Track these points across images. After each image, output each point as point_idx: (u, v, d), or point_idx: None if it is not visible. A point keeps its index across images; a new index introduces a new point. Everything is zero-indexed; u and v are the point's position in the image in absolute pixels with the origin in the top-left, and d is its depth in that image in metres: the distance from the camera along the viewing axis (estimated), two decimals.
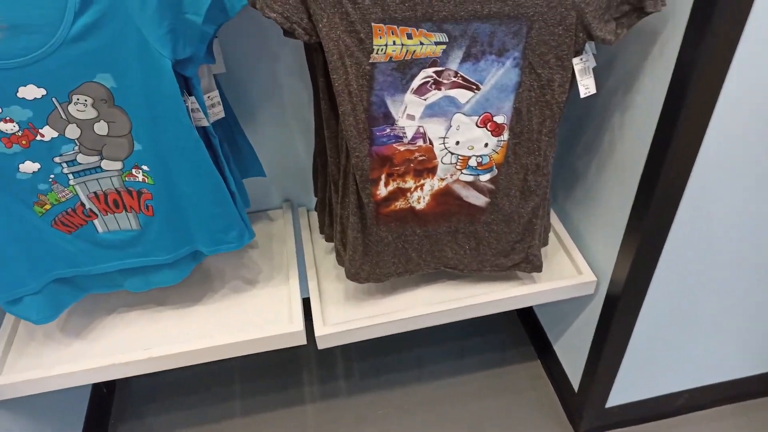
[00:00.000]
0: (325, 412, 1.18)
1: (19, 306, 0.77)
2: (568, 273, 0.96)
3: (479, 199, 0.83)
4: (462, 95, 0.73)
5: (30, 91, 0.63)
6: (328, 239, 0.97)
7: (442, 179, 0.81)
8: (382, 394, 1.21)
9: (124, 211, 0.75)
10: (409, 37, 0.67)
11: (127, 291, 0.84)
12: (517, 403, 1.19)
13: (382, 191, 0.79)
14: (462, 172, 0.80)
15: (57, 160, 0.69)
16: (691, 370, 1.08)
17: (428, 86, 0.71)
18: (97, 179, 0.72)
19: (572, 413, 1.14)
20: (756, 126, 0.74)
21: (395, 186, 0.79)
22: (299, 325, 0.86)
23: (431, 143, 0.76)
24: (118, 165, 0.71)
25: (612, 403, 1.09)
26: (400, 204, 0.81)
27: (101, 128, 0.68)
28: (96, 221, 0.75)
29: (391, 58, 0.68)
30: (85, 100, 0.65)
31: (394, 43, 0.67)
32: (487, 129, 0.76)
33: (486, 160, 0.79)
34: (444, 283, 0.95)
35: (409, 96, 0.72)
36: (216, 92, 0.75)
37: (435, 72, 0.70)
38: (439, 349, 1.29)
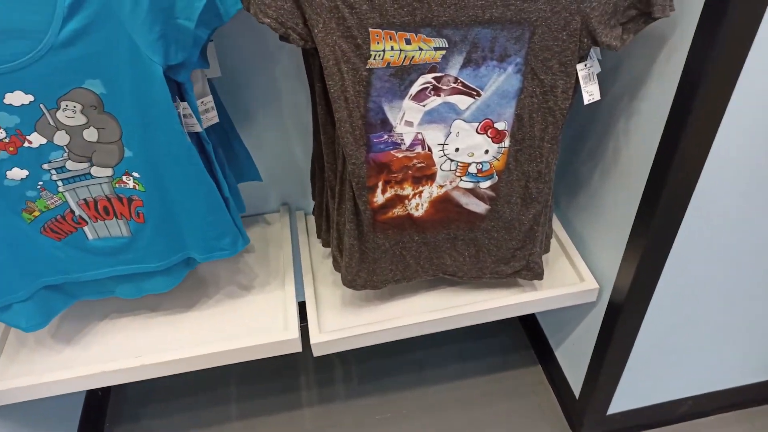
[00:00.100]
0: (323, 416, 1.17)
1: (8, 313, 0.76)
2: (570, 280, 0.94)
3: (479, 206, 0.81)
4: (462, 101, 0.71)
5: (17, 98, 0.61)
6: (325, 244, 0.95)
7: (441, 186, 0.79)
8: (381, 398, 1.19)
9: (114, 218, 0.73)
10: (408, 42, 0.65)
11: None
12: (518, 408, 1.17)
13: (380, 198, 0.77)
14: (462, 179, 0.78)
15: (45, 166, 0.67)
16: (695, 376, 1.06)
17: (427, 92, 0.69)
18: (86, 186, 0.70)
19: (573, 419, 1.13)
20: (765, 134, 0.72)
21: (393, 193, 0.77)
22: (294, 332, 0.85)
23: (430, 150, 0.74)
24: (109, 172, 0.69)
25: (614, 410, 1.07)
26: (397, 211, 0.80)
27: (91, 135, 0.66)
28: (86, 228, 0.74)
29: (388, 63, 0.66)
30: (74, 107, 0.63)
31: (392, 49, 0.65)
32: (487, 136, 0.74)
33: (486, 167, 0.77)
34: (443, 289, 0.94)
35: (407, 102, 0.70)
36: (210, 97, 0.73)
37: (434, 78, 0.68)
38: (440, 352, 1.27)
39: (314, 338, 0.85)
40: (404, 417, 1.16)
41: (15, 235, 0.71)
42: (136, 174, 0.69)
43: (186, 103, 0.68)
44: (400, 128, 0.72)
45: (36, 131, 0.64)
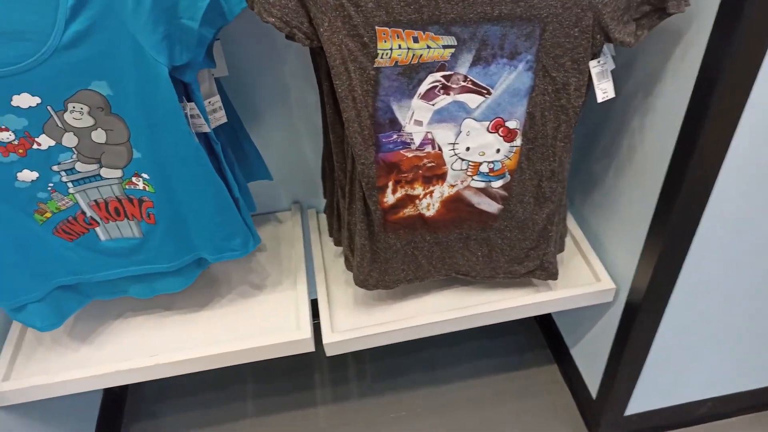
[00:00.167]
0: (337, 415, 1.17)
1: (23, 313, 0.77)
2: (586, 280, 0.93)
3: (491, 206, 0.80)
4: (472, 100, 0.69)
5: (24, 100, 0.61)
6: (337, 243, 0.95)
7: (453, 186, 0.77)
8: (394, 397, 1.19)
9: (125, 219, 0.73)
10: (416, 40, 0.63)
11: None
12: (533, 408, 1.16)
13: (390, 198, 0.76)
14: (473, 179, 0.77)
15: (55, 168, 0.67)
16: (715, 378, 1.04)
17: (436, 91, 0.68)
18: (97, 187, 0.70)
19: (590, 420, 1.11)
20: None
21: (403, 193, 0.77)
22: (307, 332, 0.84)
23: (440, 149, 0.73)
24: (118, 173, 0.69)
25: (631, 411, 1.05)
26: (408, 211, 0.79)
27: (99, 136, 0.66)
28: (98, 229, 0.74)
29: (396, 62, 0.65)
30: (81, 108, 0.63)
31: (400, 47, 0.64)
32: (498, 134, 0.73)
33: (498, 166, 0.76)
34: (456, 288, 0.93)
35: (416, 101, 0.68)
36: (217, 97, 0.73)
37: (443, 76, 0.67)
38: (453, 351, 1.26)
39: (327, 338, 0.85)
40: (417, 416, 1.16)
41: (28, 236, 0.72)
42: (145, 175, 0.70)
43: (193, 103, 0.68)
44: (409, 127, 0.71)
45: (44, 133, 0.64)
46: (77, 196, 0.70)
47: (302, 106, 0.94)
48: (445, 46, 0.64)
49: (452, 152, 0.74)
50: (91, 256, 0.76)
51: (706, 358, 0.98)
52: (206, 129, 0.70)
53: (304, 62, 0.88)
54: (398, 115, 0.69)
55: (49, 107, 0.62)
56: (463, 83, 0.68)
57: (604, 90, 0.68)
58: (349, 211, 0.81)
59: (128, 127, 0.65)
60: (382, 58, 0.64)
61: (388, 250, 0.82)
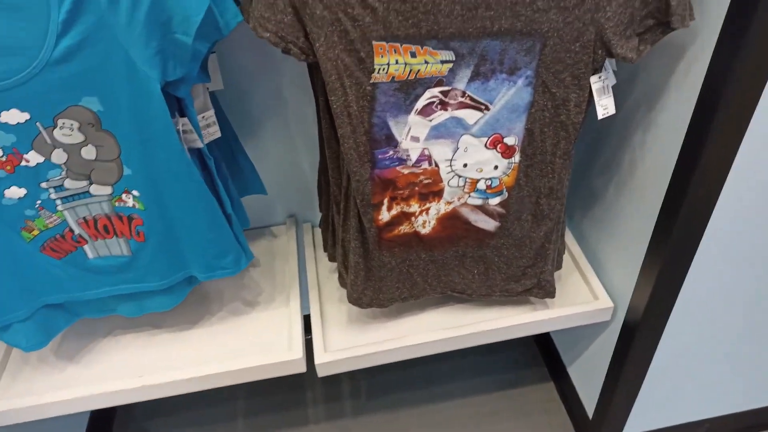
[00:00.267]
0: None
1: (8, 333, 0.75)
2: (584, 298, 0.91)
3: (488, 224, 0.79)
4: (470, 116, 0.68)
5: (13, 116, 0.60)
6: (331, 259, 0.93)
7: (449, 203, 0.76)
8: (388, 414, 1.17)
9: (114, 237, 0.72)
10: (413, 55, 0.62)
11: None
12: (529, 426, 1.14)
13: (385, 216, 0.75)
14: (470, 196, 0.76)
15: (44, 185, 0.66)
16: (713, 398, 1.02)
17: (434, 107, 0.67)
18: (86, 204, 0.69)
19: None
20: None
21: (399, 210, 0.75)
22: (298, 352, 0.82)
23: (437, 166, 0.72)
24: (108, 190, 0.68)
25: (629, 431, 1.04)
26: (404, 228, 0.77)
27: (89, 152, 0.64)
28: (86, 247, 0.72)
29: (393, 77, 0.63)
30: (71, 125, 0.62)
31: (397, 62, 0.62)
32: (497, 151, 0.72)
33: (496, 182, 0.75)
34: (452, 306, 0.91)
35: (413, 117, 0.67)
36: (211, 112, 0.72)
37: (441, 92, 0.66)
38: (449, 367, 1.24)
39: (319, 358, 0.83)
40: None
41: (14, 253, 0.70)
42: (135, 192, 0.68)
43: (186, 118, 0.66)
44: (405, 144, 0.69)
45: (33, 150, 0.63)
46: (66, 213, 0.69)
47: (299, 118, 0.93)
48: (443, 61, 0.63)
49: (449, 169, 0.73)
50: (79, 274, 0.74)
51: (705, 378, 0.97)
52: (199, 144, 0.69)
53: (302, 74, 0.86)
54: (394, 131, 0.68)
55: (38, 123, 0.61)
56: (461, 99, 0.67)
57: (604, 106, 0.67)
58: (343, 227, 0.80)
59: (119, 144, 0.64)
60: (378, 73, 0.63)
61: (382, 268, 0.80)
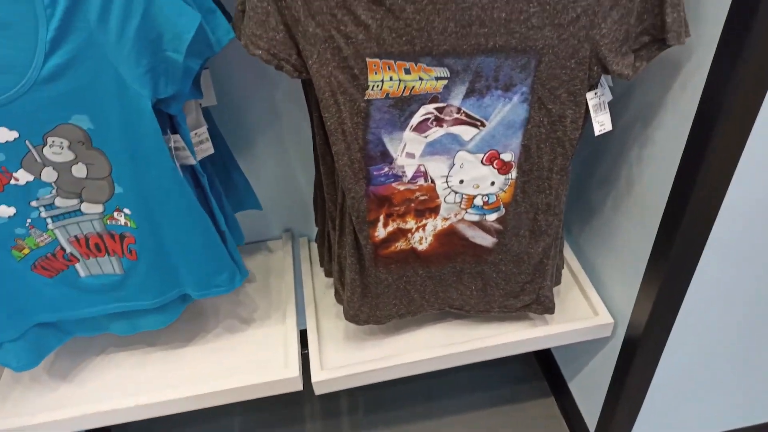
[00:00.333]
0: None
1: None
2: (583, 314, 0.90)
3: (486, 240, 0.78)
4: (466, 132, 0.67)
5: (1, 134, 0.59)
6: (328, 274, 0.92)
7: (446, 219, 0.75)
8: (387, 430, 1.15)
9: (106, 255, 0.71)
10: (408, 72, 0.61)
11: None
12: None
13: (381, 233, 0.74)
14: (467, 212, 0.75)
15: (34, 204, 0.65)
16: (715, 414, 1.01)
17: (429, 123, 0.66)
18: (77, 223, 0.68)
19: None
20: None
21: (395, 227, 0.74)
22: (295, 370, 0.81)
23: (433, 182, 0.71)
24: (99, 208, 0.67)
25: None
26: (400, 245, 0.76)
27: (79, 171, 0.63)
28: (77, 265, 0.71)
29: (387, 94, 0.63)
30: (61, 143, 0.61)
31: (391, 79, 0.62)
32: (493, 167, 0.71)
33: (493, 199, 0.74)
34: (450, 321, 0.90)
35: (408, 133, 0.66)
36: (204, 128, 0.71)
37: (436, 108, 0.65)
38: (448, 381, 1.23)
39: (316, 376, 0.82)
40: None
41: (5, 272, 0.69)
42: (127, 210, 0.67)
43: (178, 135, 0.66)
44: (401, 160, 0.69)
45: (22, 168, 0.62)
46: (56, 231, 0.68)
47: (294, 132, 0.92)
48: (437, 78, 0.63)
49: (445, 185, 0.72)
50: (71, 293, 0.73)
51: (707, 394, 0.96)
52: (192, 161, 0.68)
53: (297, 88, 0.86)
54: (389, 147, 0.67)
55: (27, 142, 0.60)
56: (456, 115, 0.66)
57: (601, 123, 0.67)
58: (339, 244, 0.79)
59: (110, 162, 0.63)
60: (372, 90, 0.62)
61: (379, 284, 0.79)
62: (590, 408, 1.04)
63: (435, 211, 0.74)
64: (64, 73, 0.56)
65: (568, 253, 0.98)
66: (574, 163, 0.74)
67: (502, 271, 0.80)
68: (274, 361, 0.84)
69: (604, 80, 0.66)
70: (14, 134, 0.59)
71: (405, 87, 0.63)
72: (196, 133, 0.70)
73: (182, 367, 0.85)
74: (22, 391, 0.83)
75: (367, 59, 0.60)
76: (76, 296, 0.73)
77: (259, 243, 1.05)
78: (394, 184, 0.70)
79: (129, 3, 0.53)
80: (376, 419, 1.17)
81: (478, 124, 0.67)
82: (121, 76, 0.57)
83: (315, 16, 0.56)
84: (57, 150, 0.61)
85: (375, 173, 0.69)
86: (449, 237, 0.77)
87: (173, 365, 0.85)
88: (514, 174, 0.72)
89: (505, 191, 0.73)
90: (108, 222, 0.68)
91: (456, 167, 0.70)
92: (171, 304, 0.77)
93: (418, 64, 0.61)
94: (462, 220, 0.76)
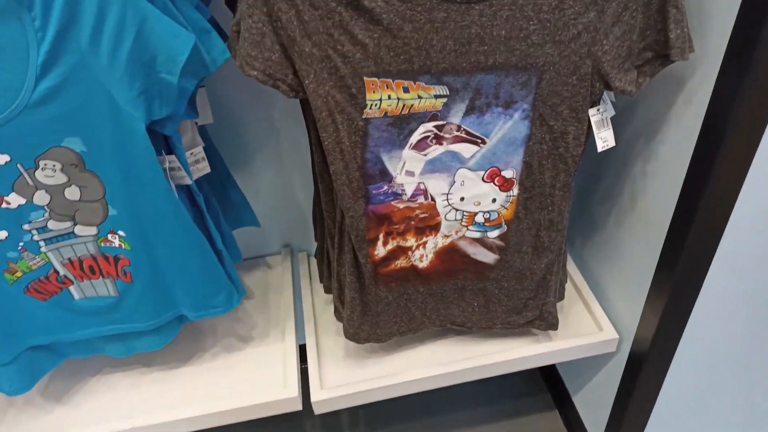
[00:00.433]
0: None
1: None
2: (587, 329, 0.89)
3: (487, 256, 0.76)
4: (466, 149, 0.66)
5: None
6: (327, 291, 0.91)
7: (447, 236, 0.74)
8: None
9: (101, 278, 0.69)
10: (406, 90, 0.60)
11: None
12: None
13: (381, 251, 0.73)
14: (468, 229, 0.73)
15: (26, 227, 0.63)
16: (722, 428, 0.99)
17: (428, 141, 0.65)
18: (71, 245, 0.66)
19: None
20: None
21: (395, 245, 0.73)
22: (294, 390, 0.80)
23: (433, 200, 0.70)
24: (93, 230, 0.66)
25: None
26: (400, 263, 0.75)
27: (72, 193, 0.62)
28: (72, 288, 0.70)
29: (386, 113, 0.62)
30: (54, 165, 0.60)
31: (390, 98, 0.60)
32: (494, 184, 0.69)
33: (494, 216, 0.72)
34: (452, 338, 0.89)
35: (407, 152, 0.65)
36: (200, 148, 0.70)
37: (435, 126, 0.64)
38: (450, 395, 1.21)
39: (315, 395, 0.81)
40: None
41: None
42: (121, 233, 0.66)
43: (173, 156, 0.65)
44: (400, 178, 0.67)
45: (14, 191, 0.61)
46: (50, 254, 0.66)
47: (292, 147, 0.91)
48: (437, 96, 0.61)
49: (446, 203, 0.71)
50: (65, 315, 0.71)
51: (713, 410, 0.94)
52: (188, 181, 0.67)
53: (294, 103, 0.84)
54: (388, 165, 0.66)
55: (18, 165, 0.59)
56: (456, 133, 0.65)
57: (604, 139, 0.65)
58: (338, 262, 0.77)
59: (103, 184, 0.62)
60: (371, 108, 0.61)
61: (379, 303, 0.78)
62: (595, 422, 1.03)
63: (435, 228, 0.73)
64: (55, 95, 0.55)
65: (571, 267, 0.97)
66: (577, 177, 0.73)
67: (505, 287, 0.79)
68: (273, 381, 0.83)
69: (607, 96, 0.65)
70: (5, 158, 0.58)
71: (404, 105, 0.61)
72: (192, 153, 0.69)
73: (179, 388, 0.83)
74: (16, 414, 0.82)
75: (365, 78, 0.59)
76: (70, 319, 0.72)
77: (258, 258, 1.04)
78: (393, 203, 0.69)
79: (121, 25, 0.52)
80: None
81: (479, 141, 0.66)
82: (114, 98, 0.56)
83: (311, 36, 0.55)
84: (49, 173, 0.60)
85: (374, 192, 0.68)
86: (450, 254, 0.76)
87: (170, 386, 0.84)
88: (515, 191, 0.70)
89: (506, 208, 0.72)
90: (102, 244, 0.67)
91: (456, 185, 0.69)
92: (167, 325, 0.75)
93: (417, 83, 0.60)
94: (463, 237, 0.74)
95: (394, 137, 0.64)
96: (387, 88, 0.60)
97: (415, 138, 0.64)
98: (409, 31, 0.56)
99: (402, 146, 0.65)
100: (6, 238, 0.64)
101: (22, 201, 0.62)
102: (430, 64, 0.58)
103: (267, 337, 0.89)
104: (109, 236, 0.66)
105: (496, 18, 0.56)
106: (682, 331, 0.79)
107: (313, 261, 1.02)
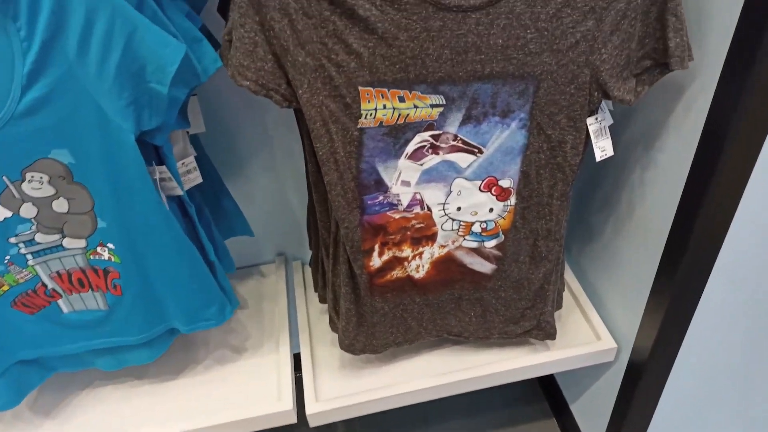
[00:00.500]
0: None
1: None
2: (585, 338, 0.88)
3: (484, 266, 0.75)
4: (463, 159, 0.65)
5: None
6: (322, 300, 0.90)
7: (443, 246, 0.73)
8: None
9: (90, 291, 0.68)
10: (402, 100, 0.59)
11: None
12: None
13: (376, 262, 0.71)
14: (465, 239, 0.72)
15: (12, 240, 0.62)
16: None
17: (424, 151, 0.64)
18: (59, 258, 0.65)
19: None
20: None
21: (391, 255, 0.72)
22: (288, 403, 0.78)
23: (429, 210, 0.69)
24: (82, 243, 0.64)
25: None
26: (396, 273, 0.74)
27: (60, 206, 0.61)
28: (60, 301, 0.68)
29: (381, 122, 0.60)
30: (41, 178, 0.58)
31: (385, 107, 0.59)
32: (491, 193, 0.68)
33: (491, 225, 0.71)
34: (449, 347, 0.87)
35: (403, 162, 0.64)
36: (191, 158, 0.68)
37: (432, 136, 0.63)
38: (446, 403, 1.19)
39: (310, 408, 0.79)
40: None
41: None
42: (110, 245, 0.64)
43: (164, 166, 0.63)
44: (396, 188, 0.66)
45: (0, 204, 0.59)
46: (37, 267, 0.65)
47: (287, 154, 0.90)
48: (433, 105, 0.60)
49: (442, 212, 0.69)
50: (54, 329, 0.70)
51: (712, 421, 0.93)
52: (179, 192, 0.65)
53: (289, 111, 0.83)
54: (384, 176, 0.65)
55: (4, 177, 0.57)
56: (452, 142, 0.64)
57: (602, 148, 0.64)
58: (333, 272, 0.76)
59: (92, 196, 0.60)
60: (366, 118, 0.60)
61: (375, 313, 0.77)
62: (593, 431, 1.02)
63: (432, 238, 0.72)
64: (42, 106, 0.53)
65: (568, 275, 0.96)
66: (575, 185, 0.72)
67: (502, 297, 0.78)
68: (267, 393, 0.81)
69: (605, 104, 0.64)
70: None
71: (399, 115, 0.60)
72: (183, 163, 0.67)
73: (171, 401, 0.82)
74: (4, 429, 0.80)
75: (360, 88, 0.58)
76: (59, 332, 0.70)
77: (252, 267, 1.02)
78: (389, 213, 0.68)
79: (109, 35, 0.50)
80: None
81: (476, 151, 0.65)
82: (102, 109, 0.55)
83: (305, 46, 0.54)
84: (36, 185, 0.59)
85: (369, 202, 0.66)
86: (447, 264, 0.74)
87: (161, 398, 0.82)
88: (513, 200, 0.69)
89: (504, 218, 0.71)
90: (91, 257, 0.65)
91: (453, 194, 0.68)
92: (158, 338, 0.74)
93: (413, 92, 0.59)
94: (460, 247, 0.73)
95: (389, 147, 0.63)
96: (382, 97, 0.59)
97: (410, 148, 0.63)
98: (404, 40, 0.55)
99: (398, 156, 0.64)
100: None
101: (9, 214, 0.60)
102: (426, 74, 0.57)
103: (261, 348, 0.88)
104: (99, 249, 0.65)
105: (493, 27, 0.55)
106: (681, 341, 0.78)
107: (308, 270, 1.01)
